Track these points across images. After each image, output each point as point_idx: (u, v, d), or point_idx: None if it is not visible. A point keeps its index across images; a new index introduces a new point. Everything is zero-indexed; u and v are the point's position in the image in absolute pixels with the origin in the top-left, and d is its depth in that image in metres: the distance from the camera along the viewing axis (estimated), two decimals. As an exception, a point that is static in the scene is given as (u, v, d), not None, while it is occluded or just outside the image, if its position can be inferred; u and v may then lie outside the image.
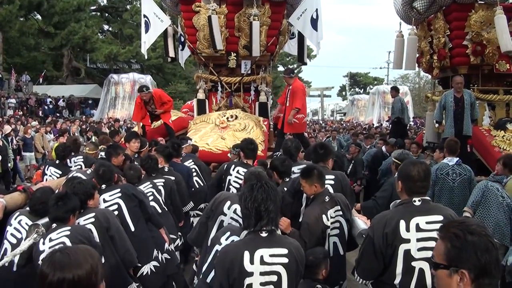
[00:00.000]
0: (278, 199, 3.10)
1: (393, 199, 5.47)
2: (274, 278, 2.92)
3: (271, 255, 2.93)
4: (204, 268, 3.66)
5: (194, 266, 4.54)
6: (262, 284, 2.91)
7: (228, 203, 4.06)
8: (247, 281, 2.90)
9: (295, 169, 5.43)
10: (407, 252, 3.12)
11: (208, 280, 3.57)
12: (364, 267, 3.32)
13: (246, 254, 2.91)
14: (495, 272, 1.88)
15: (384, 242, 3.15)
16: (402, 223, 3.13)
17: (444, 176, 6.68)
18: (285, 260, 2.94)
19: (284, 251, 2.96)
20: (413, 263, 3.11)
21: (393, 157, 6.24)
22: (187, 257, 6.75)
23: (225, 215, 4.01)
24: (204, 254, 3.82)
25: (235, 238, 3.34)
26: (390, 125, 14.06)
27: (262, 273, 2.91)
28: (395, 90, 12.54)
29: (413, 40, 10.64)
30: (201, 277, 3.68)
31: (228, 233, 3.49)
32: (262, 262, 2.91)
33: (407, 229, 3.12)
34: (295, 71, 11.11)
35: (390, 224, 3.16)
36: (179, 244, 5.75)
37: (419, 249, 3.10)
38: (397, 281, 3.15)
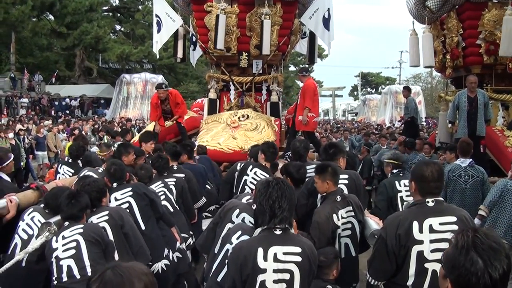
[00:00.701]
0: (294, 197, 3.09)
1: (390, 199, 5.48)
2: (287, 276, 2.92)
3: (284, 253, 2.92)
4: (214, 267, 3.67)
5: (205, 265, 4.54)
6: (275, 281, 2.91)
7: (237, 211, 4.04)
8: (260, 278, 2.90)
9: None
10: (420, 254, 3.09)
11: (219, 279, 3.58)
12: (376, 268, 3.30)
13: (260, 251, 2.91)
14: None
15: (397, 243, 3.12)
16: (415, 224, 3.10)
17: (456, 178, 6.61)
18: (298, 258, 2.93)
19: (298, 249, 2.95)
20: (426, 265, 3.08)
21: (387, 159, 6.17)
22: (198, 257, 6.75)
23: (233, 223, 3.98)
24: (213, 256, 3.82)
25: (246, 237, 3.34)
26: (403, 125, 13.97)
27: (275, 271, 2.91)
28: (407, 90, 12.42)
29: (428, 37, 10.53)
30: (211, 275, 3.69)
31: (239, 232, 3.49)
32: (276, 259, 2.91)
33: (420, 230, 3.09)
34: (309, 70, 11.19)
35: (403, 225, 3.13)
36: (191, 243, 5.75)
37: (432, 251, 3.07)
38: (409, 282, 3.12)
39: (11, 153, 5.53)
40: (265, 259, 2.90)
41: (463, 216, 3.16)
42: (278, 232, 2.96)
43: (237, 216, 4.00)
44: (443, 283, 1.89)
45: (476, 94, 8.79)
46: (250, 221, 3.91)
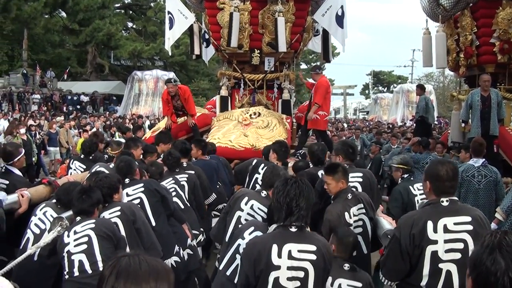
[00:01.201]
0: (312, 197, 3.07)
1: (405, 205, 5.40)
2: (301, 274, 2.90)
3: (299, 251, 2.90)
4: (225, 261, 3.67)
5: (216, 263, 4.54)
6: (288, 279, 2.89)
7: (246, 199, 4.07)
8: (274, 274, 2.88)
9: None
10: (434, 254, 3.05)
11: (228, 273, 3.57)
12: (390, 268, 3.26)
13: (274, 248, 2.89)
14: None
15: (411, 243, 3.09)
16: (430, 224, 3.06)
17: (469, 178, 6.55)
18: (313, 256, 2.91)
19: (313, 247, 2.93)
20: (440, 265, 3.04)
21: (396, 164, 6.01)
22: (208, 253, 6.74)
23: (242, 210, 4.02)
24: (225, 248, 3.82)
25: (258, 233, 3.34)
26: (414, 124, 13.85)
27: (289, 268, 2.89)
28: (420, 88, 12.23)
29: (442, 37, 10.44)
30: (221, 268, 3.69)
31: (252, 228, 3.49)
32: (290, 256, 2.89)
33: (435, 230, 3.05)
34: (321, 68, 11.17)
35: (417, 224, 3.09)
36: (202, 240, 5.74)
37: (447, 251, 3.04)
38: (423, 282, 3.09)
39: (22, 148, 5.58)
40: (279, 256, 2.88)
41: (478, 216, 3.13)
42: (293, 229, 2.94)
43: (245, 204, 4.04)
44: (467, 282, 1.86)
45: (490, 93, 8.72)
46: (259, 207, 3.96)
